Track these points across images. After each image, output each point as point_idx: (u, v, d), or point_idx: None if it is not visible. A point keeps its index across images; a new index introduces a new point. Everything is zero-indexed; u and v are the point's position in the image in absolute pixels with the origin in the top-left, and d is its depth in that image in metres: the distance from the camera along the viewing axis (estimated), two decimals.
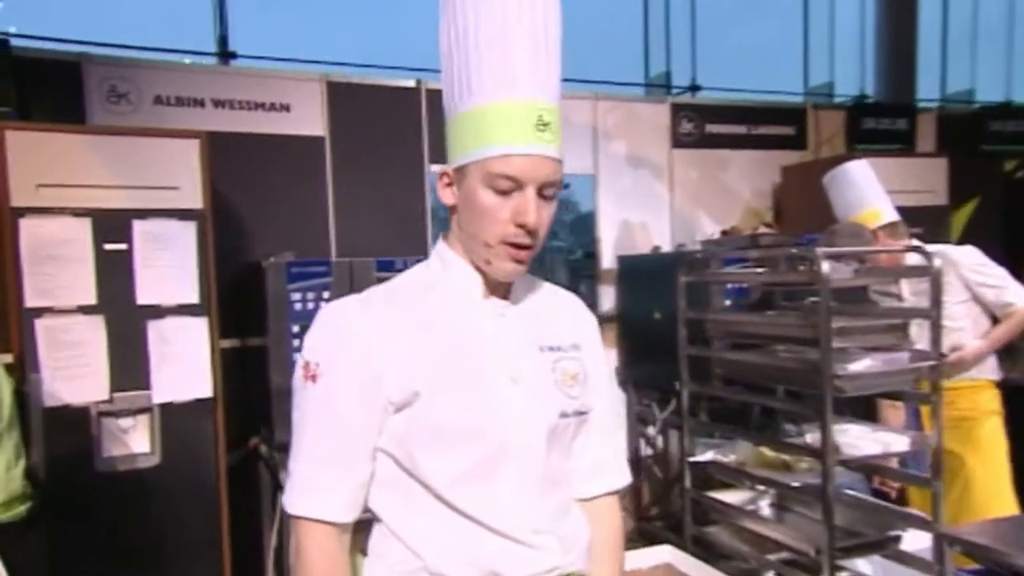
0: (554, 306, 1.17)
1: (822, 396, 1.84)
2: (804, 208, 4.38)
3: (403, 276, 1.12)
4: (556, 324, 1.15)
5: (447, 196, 1.05)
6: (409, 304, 1.04)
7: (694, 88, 6.75)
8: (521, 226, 0.99)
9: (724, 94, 5.58)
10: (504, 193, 0.99)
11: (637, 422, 4.27)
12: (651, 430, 4.15)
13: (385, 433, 1.02)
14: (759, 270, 2.44)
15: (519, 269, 1.03)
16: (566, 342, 1.14)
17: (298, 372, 1.04)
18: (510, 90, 0.99)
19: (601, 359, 1.21)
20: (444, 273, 1.08)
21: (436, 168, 1.14)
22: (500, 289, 1.08)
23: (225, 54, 4.23)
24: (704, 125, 4.68)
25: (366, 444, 1.02)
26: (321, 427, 1.01)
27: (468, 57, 1.00)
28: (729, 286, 3.40)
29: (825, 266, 1.80)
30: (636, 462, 4.33)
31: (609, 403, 1.20)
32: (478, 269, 1.07)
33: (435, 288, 1.07)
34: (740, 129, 4.79)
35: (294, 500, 1.02)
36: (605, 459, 1.18)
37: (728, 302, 3.51)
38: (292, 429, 1.04)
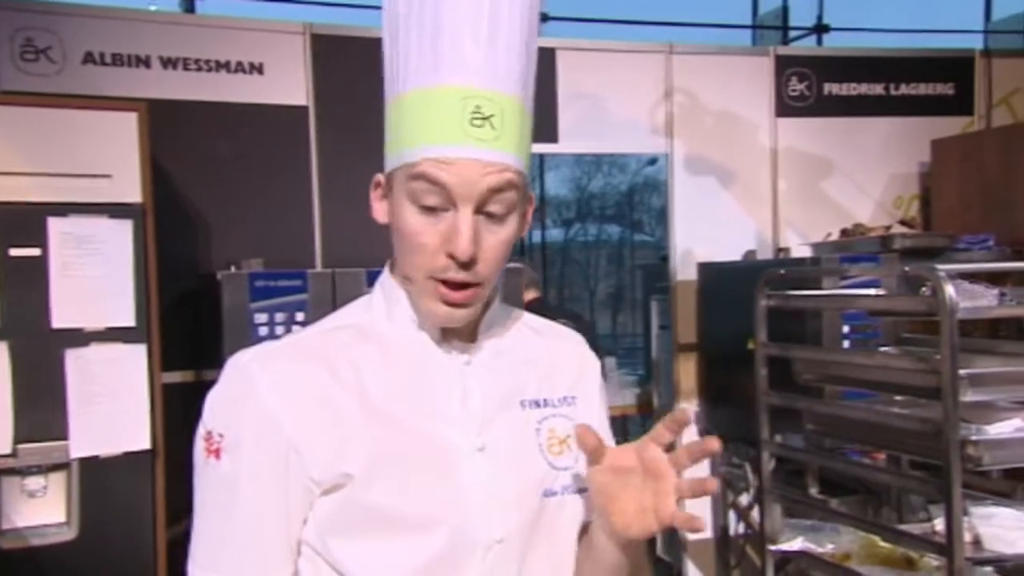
0: (545, 346, 1.17)
1: (947, 469, 1.79)
2: (965, 198, 4.25)
3: (335, 317, 1.13)
4: (544, 370, 1.14)
5: (378, 211, 1.06)
6: (334, 356, 1.05)
7: (820, 29, 6.64)
8: (451, 256, 0.98)
9: (861, 37, 5.46)
10: (431, 211, 0.99)
11: (724, 488, 4.21)
12: (744, 500, 4.09)
13: (309, 522, 1.03)
14: (867, 292, 2.39)
15: (454, 314, 1.03)
16: (556, 394, 1.14)
17: (198, 444, 1.05)
18: (432, 72, 0.99)
19: (604, 418, 1.20)
20: (388, 313, 1.09)
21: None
22: (465, 330, 1.09)
23: None
24: (821, 84, 4.60)
25: (284, 540, 1.03)
26: (226, 519, 1.03)
27: (402, 29, 1.01)
28: (851, 312, 3.33)
29: (949, 290, 1.75)
30: (724, 543, 4.27)
31: None
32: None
33: (375, 333, 1.08)
34: (874, 88, 4.69)
35: None
36: None
37: (847, 328, 3.43)
38: (193, 517, 1.06)
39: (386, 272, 1.11)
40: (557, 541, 1.10)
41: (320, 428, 1.01)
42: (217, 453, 1.02)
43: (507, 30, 1.00)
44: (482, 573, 1.03)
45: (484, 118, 0.97)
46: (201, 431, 1.05)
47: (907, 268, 1.97)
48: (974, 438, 1.82)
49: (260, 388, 1.01)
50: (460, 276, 0.99)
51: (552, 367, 1.16)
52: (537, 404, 1.11)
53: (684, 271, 4.38)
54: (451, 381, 1.07)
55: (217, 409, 1.04)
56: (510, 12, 1.01)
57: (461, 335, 1.09)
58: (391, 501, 1.00)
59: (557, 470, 1.09)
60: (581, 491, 1.11)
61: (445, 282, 1.00)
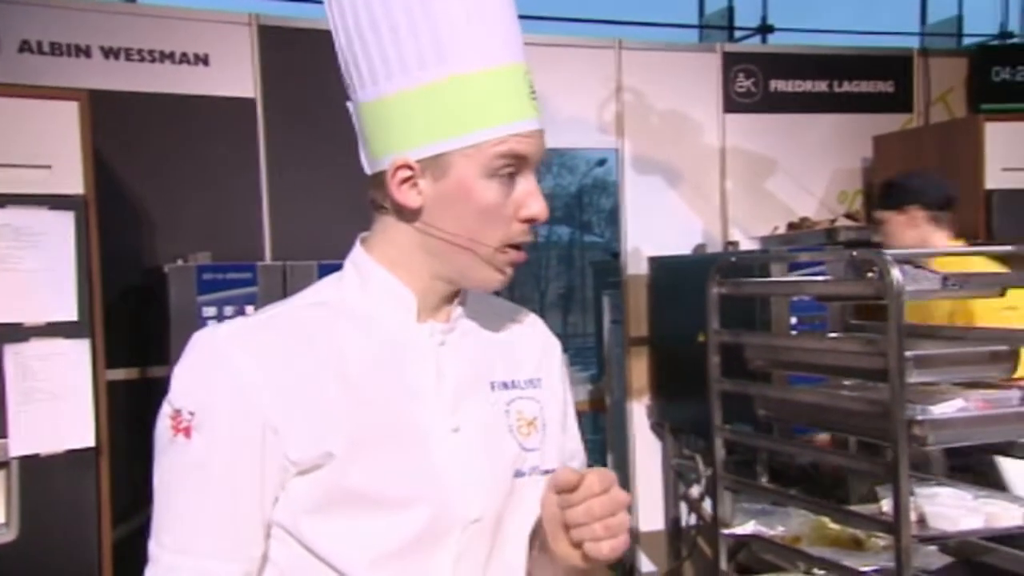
0: (509, 328, 1.18)
1: (895, 448, 1.84)
2: None
3: (305, 295, 1.12)
4: (511, 352, 1.16)
5: (408, 196, 1.04)
6: (312, 333, 1.04)
7: (764, 29, 6.77)
8: (529, 220, 1.05)
9: (804, 37, 5.57)
10: (506, 182, 1.03)
11: (675, 479, 4.26)
12: (695, 491, 4.14)
13: (282, 503, 1.03)
14: (817, 278, 2.45)
15: (510, 275, 1.09)
16: (522, 376, 1.15)
17: (163, 423, 1.03)
18: (501, 51, 1.03)
19: (569, 400, 1.22)
20: (363, 291, 1.08)
21: (390, 160, 1.13)
22: (440, 310, 1.10)
23: None
24: (768, 81, 4.68)
25: (259, 520, 1.02)
26: (196, 498, 1.01)
27: (424, 8, 1.00)
28: (795, 299, 3.40)
29: (896, 273, 1.80)
30: (676, 535, 4.32)
31: (569, 459, 1.20)
32: (428, 284, 1.07)
33: (349, 311, 1.08)
34: (818, 86, 4.79)
35: None
36: None
37: (794, 320, 3.50)
38: (154, 498, 1.04)
39: (358, 249, 1.10)
40: (525, 521, 1.11)
41: (300, 407, 1.00)
42: (187, 432, 1.00)
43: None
44: (457, 552, 1.04)
45: (532, 90, 1.06)
46: (167, 409, 1.03)
47: (855, 253, 2.03)
48: (919, 418, 1.87)
49: (235, 365, 1.00)
50: (529, 237, 1.07)
51: (517, 349, 1.17)
52: (505, 386, 1.13)
53: (635, 266, 4.42)
54: (426, 360, 1.07)
55: (187, 386, 1.02)
56: None
57: (437, 314, 1.09)
58: (371, 481, 1.01)
59: (526, 451, 1.11)
60: (546, 472, 1.12)
61: (515, 247, 1.06)
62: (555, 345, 1.23)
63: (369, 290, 1.08)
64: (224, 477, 1.00)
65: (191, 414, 1.00)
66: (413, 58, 1.01)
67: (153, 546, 1.03)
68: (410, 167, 1.02)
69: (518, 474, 1.09)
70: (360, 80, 1.05)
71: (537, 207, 1.04)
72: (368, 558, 1.01)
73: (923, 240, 2.82)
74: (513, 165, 1.02)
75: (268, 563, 1.04)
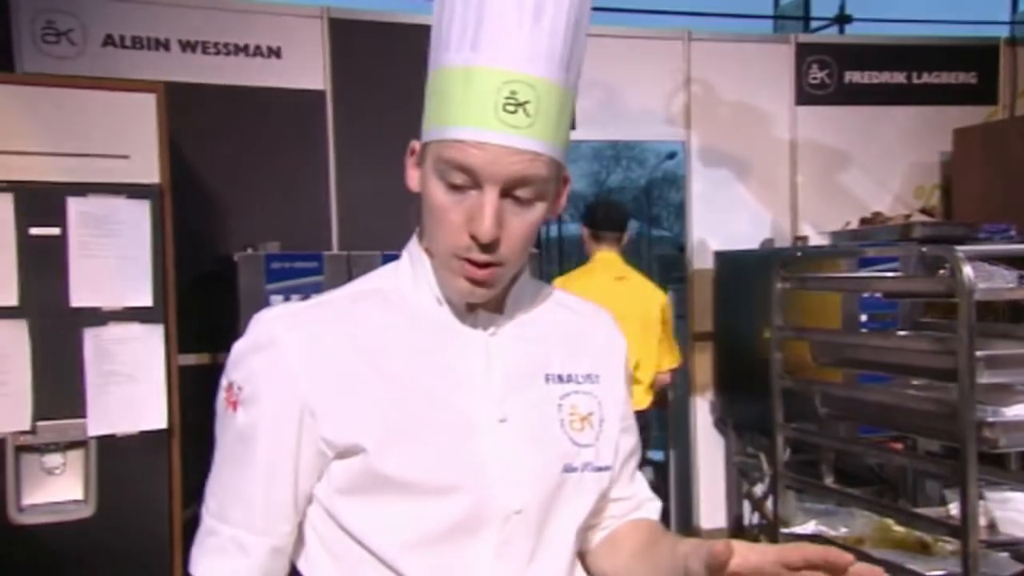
0: (572, 322, 1.18)
1: (963, 450, 1.79)
2: (987, 187, 4.23)
3: (361, 281, 1.14)
4: (569, 346, 1.14)
5: (412, 177, 1.06)
6: (358, 321, 1.06)
7: (842, 20, 6.62)
8: (471, 237, 0.99)
9: (884, 27, 5.42)
10: (458, 189, 0.99)
11: (739, 477, 4.22)
12: (758, 489, 4.09)
13: (323, 481, 1.05)
14: (887, 275, 2.39)
15: (475, 291, 1.03)
16: (580, 371, 1.14)
17: (221, 393, 1.08)
18: (474, 51, 0.98)
19: (627, 399, 1.21)
20: (414, 281, 1.09)
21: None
22: (492, 301, 1.09)
23: None
24: (842, 73, 4.58)
25: (292, 497, 1.05)
26: (238, 472, 1.05)
27: None
28: (867, 296, 3.33)
29: (967, 270, 1.75)
30: (738, 533, 4.27)
31: (627, 457, 1.20)
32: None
33: (400, 300, 1.09)
34: (896, 77, 4.67)
35: (195, 557, 1.08)
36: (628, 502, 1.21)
37: (865, 317, 3.43)
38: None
39: (413, 239, 1.12)
40: (575, 516, 1.11)
41: (336, 394, 1.02)
42: (235, 405, 1.04)
43: (553, 9, 0.99)
44: (500, 542, 1.04)
45: (518, 104, 0.97)
46: (223, 381, 1.06)
47: (925, 249, 1.98)
48: (990, 420, 1.83)
49: (282, 347, 1.02)
50: (482, 257, 1.00)
51: (578, 343, 1.16)
52: (561, 379, 1.12)
53: (701, 260, 4.38)
54: (475, 351, 1.07)
55: (239, 361, 1.06)
56: None
57: (488, 306, 1.09)
58: (407, 469, 1.01)
59: (578, 447, 1.10)
60: (599, 469, 1.12)
61: (468, 260, 1.00)
62: (620, 342, 1.21)
63: (420, 280, 1.09)
64: (262, 454, 1.04)
65: (240, 389, 1.04)
66: (437, 41, 1.02)
67: (203, 509, 1.08)
68: (414, 150, 1.06)
69: (568, 469, 1.08)
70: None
71: (478, 227, 0.97)
72: (399, 542, 1.02)
73: (591, 252, 3.58)
74: (462, 173, 0.98)
75: (314, 539, 1.07)
